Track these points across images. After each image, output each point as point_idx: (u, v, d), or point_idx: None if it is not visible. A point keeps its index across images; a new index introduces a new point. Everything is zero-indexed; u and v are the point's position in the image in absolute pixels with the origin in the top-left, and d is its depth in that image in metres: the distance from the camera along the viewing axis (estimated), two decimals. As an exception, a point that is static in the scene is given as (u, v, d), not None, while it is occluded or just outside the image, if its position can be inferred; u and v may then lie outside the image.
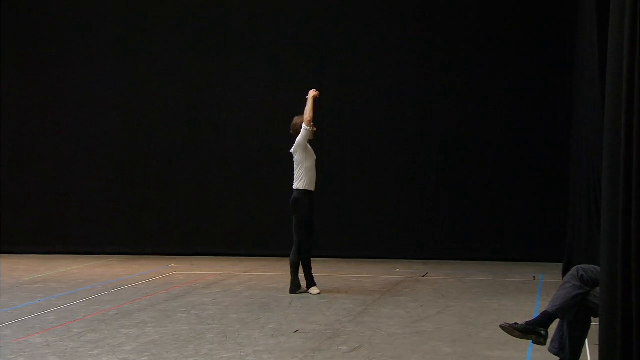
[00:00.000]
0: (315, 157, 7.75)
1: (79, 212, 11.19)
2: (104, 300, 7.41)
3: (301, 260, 7.65)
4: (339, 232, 10.59)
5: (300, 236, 7.57)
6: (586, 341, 4.70)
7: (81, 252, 11.01)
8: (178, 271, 9.46)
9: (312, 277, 7.70)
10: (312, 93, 7.59)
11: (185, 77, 10.99)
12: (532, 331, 4.61)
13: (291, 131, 7.75)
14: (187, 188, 11.02)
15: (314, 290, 7.63)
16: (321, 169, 9.68)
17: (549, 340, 4.64)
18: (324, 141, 10.08)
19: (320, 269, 9.50)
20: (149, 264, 10.10)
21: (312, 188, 7.64)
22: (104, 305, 7.14)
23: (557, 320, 4.64)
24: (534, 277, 8.82)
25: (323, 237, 10.48)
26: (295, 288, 7.68)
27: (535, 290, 7.88)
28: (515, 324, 4.67)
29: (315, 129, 7.78)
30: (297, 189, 7.63)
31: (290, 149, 7.68)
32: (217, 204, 10.95)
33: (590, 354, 5.09)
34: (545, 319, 4.60)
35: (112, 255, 10.91)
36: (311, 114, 7.54)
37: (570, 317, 4.51)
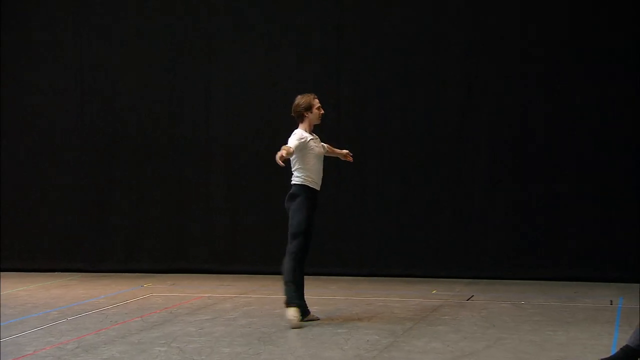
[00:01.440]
0: (320, 150, 7.72)
1: (29, 219, 11.25)
2: (61, 330, 7.42)
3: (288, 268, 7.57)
4: (360, 244, 10.59)
5: (296, 244, 7.55)
6: (680, 384, 4.66)
7: (31, 269, 11.07)
8: (155, 292, 9.48)
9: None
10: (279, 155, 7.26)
11: (163, 59, 11.05)
12: (609, 371, 4.57)
13: (292, 113, 7.77)
14: (165, 190, 11.06)
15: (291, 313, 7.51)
16: (339, 168, 9.65)
17: (631, 383, 4.61)
18: (342, 137, 10.09)
19: (338, 290, 9.50)
20: (117, 284, 10.13)
21: (313, 185, 7.64)
22: (60, 337, 7.15)
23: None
24: (611, 301, 8.78)
25: (342, 251, 10.51)
26: (301, 314, 7.68)
27: (613, 319, 7.84)
28: (588, 361, 4.63)
29: (322, 112, 7.76)
30: (294, 184, 7.66)
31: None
32: (204, 209, 10.97)
33: (684, 401, 5.04)
34: (625, 356, 4.56)
35: (71, 273, 10.95)
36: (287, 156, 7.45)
37: (659, 353, 4.47)
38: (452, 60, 10.40)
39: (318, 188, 7.70)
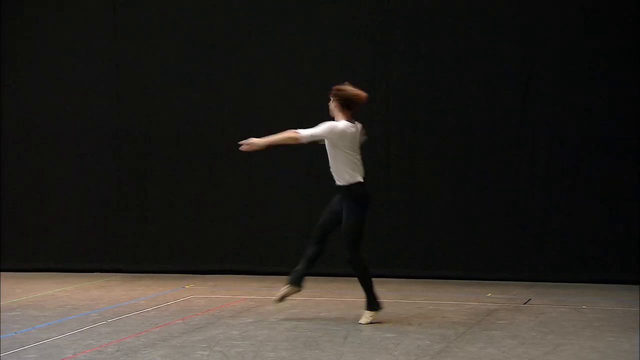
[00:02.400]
0: (351, 142, 7.78)
1: (66, 218, 11.43)
2: (101, 333, 7.54)
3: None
4: (410, 243, 10.57)
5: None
6: None
7: (70, 270, 11.25)
8: (197, 294, 9.58)
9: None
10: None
11: (197, 53, 11.11)
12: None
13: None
14: (206, 187, 11.13)
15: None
16: (388, 166, 9.66)
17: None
18: (392, 133, 10.10)
19: (386, 292, 9.50)
20: (158, 285, 10.25)
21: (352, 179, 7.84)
22: (100, 340, 7.27)
23: None
24: (680, 305, 8.69)
25: (389, 251, 10.50)
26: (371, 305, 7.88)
27: (682, 325, 7.75)
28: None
29: (363, 96, 7.88)
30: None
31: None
32: (245, 208, 11.03)
33: None
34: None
35: (111, 274, 11.10)
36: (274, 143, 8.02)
37: None
38: (510, 50, 10.31)
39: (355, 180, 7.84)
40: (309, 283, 10.14)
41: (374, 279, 7.90)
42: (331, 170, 7.86)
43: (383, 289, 9.70)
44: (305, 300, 9.11)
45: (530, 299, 9.08)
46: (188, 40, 11.16)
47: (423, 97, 10.55)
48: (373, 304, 7.83)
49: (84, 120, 11.42)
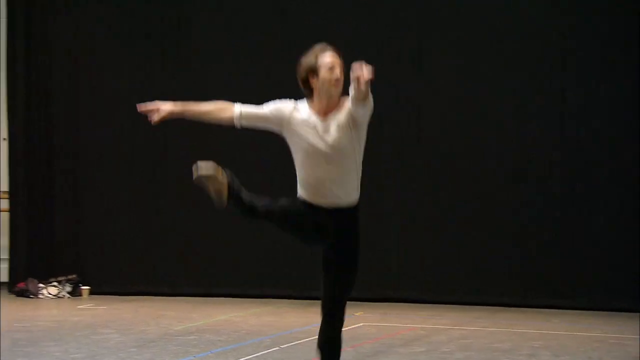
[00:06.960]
0: (323, 144, 4.91)
1: (239, 246, 11.71)
2: (275, 359, 7.72)
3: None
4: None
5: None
6: None
7: (243, 295, 11.55)
8: (367, 322, 9.63)
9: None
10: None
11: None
12: None
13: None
14: (375, 216, 11.14)
15: None
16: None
17: None
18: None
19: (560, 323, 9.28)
20: (328, 312, 10.39)
21: (309, 199, 5.14)
22: (274, 365, 7.46)
23: None
24: None
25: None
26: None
27: None
28: None
29: (337, 76, 4.84)
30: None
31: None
32: (415, 236, 11.04)
33: None
34: None
35: (283, 299, 11.32)
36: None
37: None
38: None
39: (319, 202, 5.10)
40: (479, 313, 10.06)
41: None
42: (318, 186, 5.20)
43: (557, 320, 9.48)
44: (476, 331, 9.03)
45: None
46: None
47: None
48: None
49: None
